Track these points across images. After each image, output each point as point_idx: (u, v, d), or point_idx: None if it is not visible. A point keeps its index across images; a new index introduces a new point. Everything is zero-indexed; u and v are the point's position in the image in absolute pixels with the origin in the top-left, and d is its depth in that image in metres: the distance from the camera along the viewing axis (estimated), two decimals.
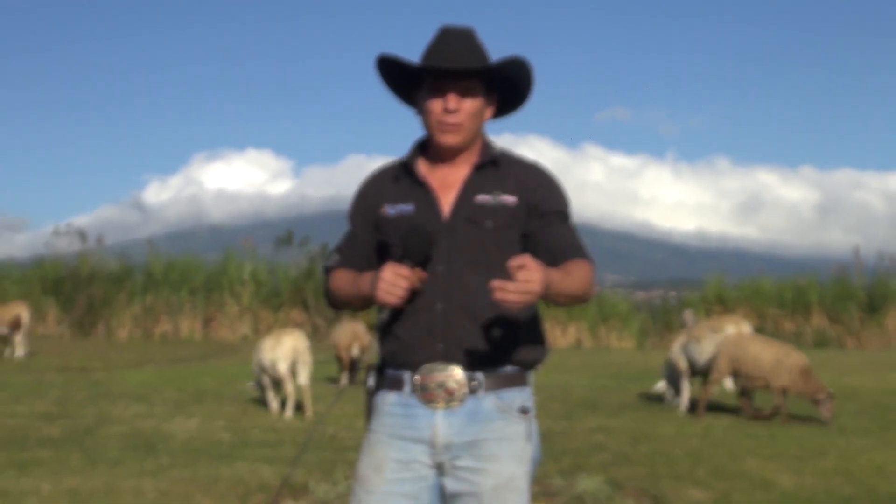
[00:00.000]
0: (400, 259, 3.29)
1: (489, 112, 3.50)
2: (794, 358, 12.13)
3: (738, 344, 12.51)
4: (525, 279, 3.01)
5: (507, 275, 3.12)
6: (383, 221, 3.47)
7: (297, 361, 12.59)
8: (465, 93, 3.37)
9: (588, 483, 8.22)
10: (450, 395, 3.33)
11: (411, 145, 3.56)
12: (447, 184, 3.45)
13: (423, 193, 3.44)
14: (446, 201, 3.42)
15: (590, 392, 15.71)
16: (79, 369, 18.91)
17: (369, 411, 3.48)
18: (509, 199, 3.41)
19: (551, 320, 32.29)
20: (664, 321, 33.94)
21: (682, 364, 13.73)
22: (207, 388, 15.40)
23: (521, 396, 3.46)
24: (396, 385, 3.42)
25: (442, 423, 3.34)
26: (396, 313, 3.36)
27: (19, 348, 21.89)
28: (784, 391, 12.01)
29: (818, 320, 32.67)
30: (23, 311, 22.17)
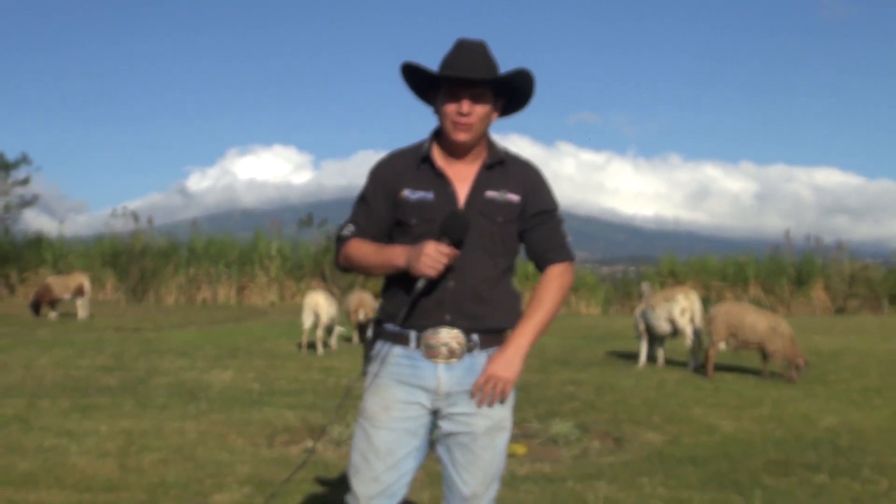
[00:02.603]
0: (439, 238, 3.29)
1: (495, 115, 3.51)
2: (784, 326, 12.13)
3: (734, 313, 12.45)
4: (496, 388, 3.41)
5: (505, 262, 3.48)
6: (403, 203, 3.45)
7: (319, 313, 14.70)
8: (476, 99, 3.37)
9: (560, 427, 8.22)
10: (451, 353, 3.38)
11: (428, 136, 3.55)
12: (461, 177, 3.46)
13: (443, 184, 3.44)
14: (461, 194, 3.44)
15: (562, 350, 15.70)
16: (132, 329, 18.91)
17: (368, 357, 3.49)
18: (514, 197, 3.46)
19: (528, 291, 32.23)
20: (625, 291, 34.04)
21: (641, 327, 13.76)
22: (240, 346, 15.39)
23: None
24: (402, 340, 3.42)
25: (444, 375, 3.38)
26: (430, 285, 3.35)
27: (82, 311, 21.88)
28: (775, 354, 12.00)
29: (754, 291, 32.78)
30: (84, 281, 22.18)
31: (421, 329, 3.40)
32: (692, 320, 13.26)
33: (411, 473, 3.46)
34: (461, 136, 3.39)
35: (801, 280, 32.63)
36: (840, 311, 31.71)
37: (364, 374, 3.51)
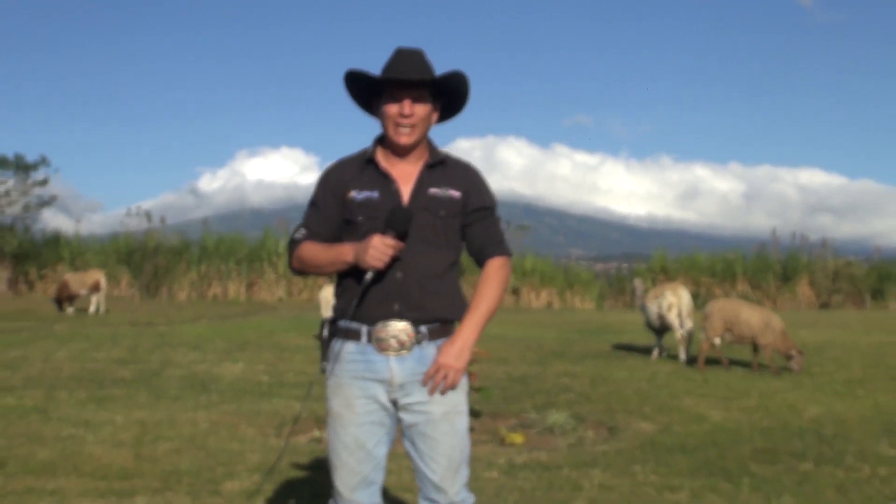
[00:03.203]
0: (384, 232, 3.36)
1: (435, 117, 3.59)
2: (776, 321, 12.18)
3: (729, 309, 12.47)
4: (446, 377, 3.44)
5: (450, 255, 3.53)
6: (350, 203, 3.52)
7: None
8: (416, 100, 3.46)
9: (557, 416, 8.23)
10: (401, 346, 3.43)
11: (372, 142, 3.63)
12: (404, 176, 3.53)
13: (387, 183, 3.51)
14: (405, 191, 3.50)
15: (558, 343, 15.72)
16: (146, 324, 18.92)
17: (325, 355, 3.55)
18: (455, 193, 3.53)
19: (527, 287, 32.33)
20: (618, 287, 34.14)
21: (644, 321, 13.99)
22: (250, 339, 15.40)
23: None
24: (354, 336, 3.48)
25: (396, 367, 3.44)
26: (377, 276, 3.40)
27: (97, 306, 21.88)
28: (766, 347, 12.02)
29: (742, 287, 32.84)
30: (100, 277, 22.21)
31: (372, 322, 3.45)
32: (679, 315, 13.31)
33: (384, 459, 3.54)
34: (403, 138, 3.48)
35: (786, 276, 32.70)
36: (824, 306, 31.74)
37: (323, 371, 3.57)
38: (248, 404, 9.12)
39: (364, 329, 3.46)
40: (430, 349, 3.46)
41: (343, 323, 3.49)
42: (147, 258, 31.53)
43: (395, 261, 3.38)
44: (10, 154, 32.03)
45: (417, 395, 3.45)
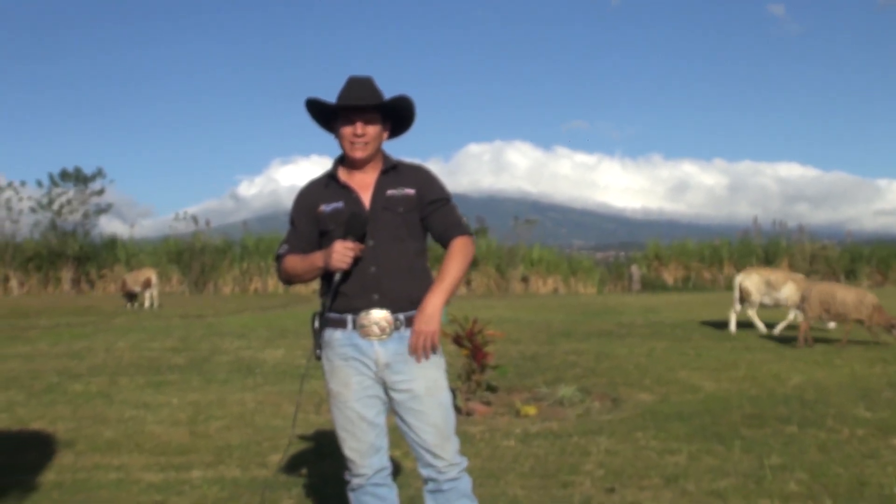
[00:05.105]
0: (344, 237, 3.48)
1: (385, 134, 3.71)
2: (870, 298, 11.84)
3: (825, 291, 12.14)
4: (423, 340, 3.47)
5: (415, 245, 3.62)
6: (321, 216, 3.64)
7: None
8: (367, 122, 3.59)
9: (565, 390, 8.22)
10: (382, 331, 3.51)
11: (333, 162, 3.76)
12: (363, 185, 3.65)
13: (348, 193, 3.64)
14: (365, 197, 3.62)
15: (565, 325, 15.69)
16: (195, 316, 18.98)
17: (317, 344, 3.62)
18: (410, 191, 3.62)
19: (535, 274, 32.28)
20: (617, 273, 34.02)
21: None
22: (289, 328, 15.42)
23: None
24: (341, 324, 3.57)
25: (380, 349, 3.52)
26: (345, 275, 3.52)
27: (152, 301, 21.95)
28: (866, 323, 11.74)
29: (728, 270, 32.72)
30: (151, 275, 22.27)
31: (356, 312, 3.54)
32: (750, 294, 13.82)
33: (385, 426, 3.62)
34: (358, 154, 3.61)
35: (768, 259, 32.56)
36: None
37: (317, 357, 3.65)
38: (289, 385, 9.15)
39: (349, 318, 3.55)
40: (408, 334, 3.54)
41: (332, 315, 3.58)
42: (195, 257, 31.60)
43: (357, 260, 3.49)
44: (70, 167, 32.32)
45: (402, 374, 3.52)
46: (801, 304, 12.32)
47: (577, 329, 14.82)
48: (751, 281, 13.87)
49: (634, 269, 32.48)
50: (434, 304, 3.49)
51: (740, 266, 32.50)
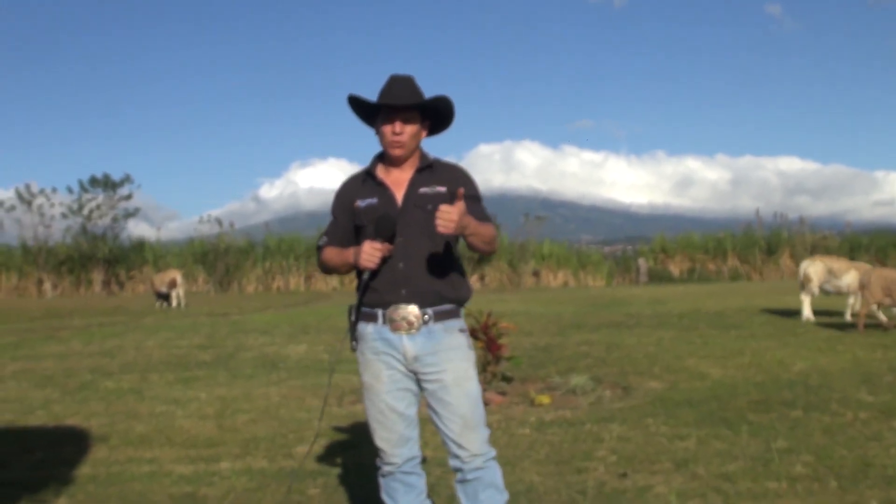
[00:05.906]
0: (373, 237, 3.46)
1: (424, 133, 3.68)
2: None
3: (886, 276, 11.95)
4: (446, 213, 3.22)
5: (445, 242, 3.53)
6: (357, 211, 3.63)
7: None
8: (406, 121, 3.55)
9: (578, 379, 8.20)
10: (410, 326, 3.50)
11: (372, 158, 3.74)
12: (398, 182, 3.62)
13: (383, 190, 3.61)
14: (399, 194, 3.59)
15: (576, 316, 15.65)
16: (221, 314, 19.03)
17: (353, 335, 3.66)
18: (441, 189, 3.58)
19: (546, 268, 32.29)
20: (624, 266, 34.00)
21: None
22: (311, 324, 15.45)
23: (458, 323, 3.62)
24: (372, 318, 3.57)
25: (408, 343, 3.51)
26: (373, 273, 3.52)
27: (178, 300, 22.01)
28: None
29: (732, 261, 32.74)
30: (177, 276, 22.33)
31: (385, 306, 3.53)
32: (811, 280, 13.63)
33: (416, 417, 3.61)
34: (396, 152, 3.58)
35: (770, 250, 32.54)
36: None
37: (352, 349, 3.68)
38: (313, 379, 9.17)
39: (380, 312, 3.55)
40: (436, 328, 3.53)
41: (365, 309, 3.60)
42: (219, 258, 31.73)
43: (385, 259, 3.47)
44: (98, 174, 32.51)
45: (431, 366, 3.52)
46: (862, 290, 12.18)
47: (588, 321, 14.78)
48: (814, 268, 13.74)
49: (642, 262, 32.42)
50: (468, 216, 3.33)
51: (743, 258, 32.46)
